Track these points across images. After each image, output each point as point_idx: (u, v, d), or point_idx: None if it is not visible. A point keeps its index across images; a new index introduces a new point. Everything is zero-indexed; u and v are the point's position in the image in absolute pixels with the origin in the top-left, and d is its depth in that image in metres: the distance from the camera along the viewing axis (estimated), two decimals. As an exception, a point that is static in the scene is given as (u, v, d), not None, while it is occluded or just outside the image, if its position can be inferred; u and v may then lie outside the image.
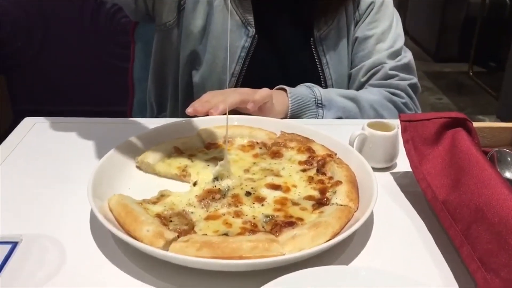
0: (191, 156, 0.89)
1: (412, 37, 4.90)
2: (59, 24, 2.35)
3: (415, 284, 0.59)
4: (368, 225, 0.75)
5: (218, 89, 1.18)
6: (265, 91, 1.05)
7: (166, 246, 0.64)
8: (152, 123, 1.01)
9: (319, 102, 1.13)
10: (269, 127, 0.97)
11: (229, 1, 1.18)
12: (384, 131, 0.90)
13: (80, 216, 0.75)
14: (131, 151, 0.88)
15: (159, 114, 1.36)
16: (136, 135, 0.91)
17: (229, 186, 0.80)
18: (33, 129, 1.03)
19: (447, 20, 4.53)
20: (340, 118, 1.14)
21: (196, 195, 0.78)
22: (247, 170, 0.85)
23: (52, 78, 2.42)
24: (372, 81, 1.24)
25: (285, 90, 1.14)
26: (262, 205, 0.76)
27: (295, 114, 1.12)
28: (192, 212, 0.74)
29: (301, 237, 0.65)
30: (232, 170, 0.83)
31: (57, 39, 2.37)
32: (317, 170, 0.84)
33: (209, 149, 0.92)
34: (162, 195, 0.78)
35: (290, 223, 0.70)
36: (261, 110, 1.05)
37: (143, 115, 1.42)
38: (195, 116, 0.99)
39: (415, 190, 0.82)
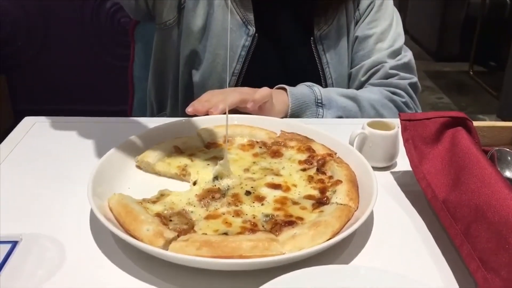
0: (191, 155, 0.89)
1: (413, 37, 4.90)
2: (59, 24, 2.35)
3: (415, 284, 0.59)
4: (368, 225, 0.75)
5: (219, 88, 1.18)
6: (265, 90, 1.05)
7: (166, 245, 0.64)
8: (152, 122, 1.01)
9: (319, 101, 1.13)
10: (269, 126, 0.97)
11: (229, 0, 1.18)
12: (384, 130, 0.90)
13: (80, 216, 0.75)
14: (131, 151, 0.88)
15: (159, 112, 1.36)
16: (136, 134, 0.91)
17: (229, 186, 0.80)
18: (33, 128, 1.03)
19: (447, 20, 4.53)
20: (340, 117, 1.14)
21: (196, 195, 0.78)
22: (247, 170, 0.85)
23: (52, 78, 2.42)
24: (372, 80, 1.24)
25: (285, 89, 1.13)
26: (262, 204, 0.76)
27: (295, 113, 1.12)
28: (192, 212, 0.74)
29: (301, 237, 0.65)
30: (232, 169, 0.83)
31: (57, 39, 2.37)
32: (317, 170, 0.84)
33: (209, 148, 0.92)
34: (162, 195, 0.78)
35: (290, 222, 0.70)
36: (261, 109, 1.05)
37: (143, 114, 1.42)
38: (195, 115, 0.99)
39: (415, 189, 0.82)
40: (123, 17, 2.27)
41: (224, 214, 0.73)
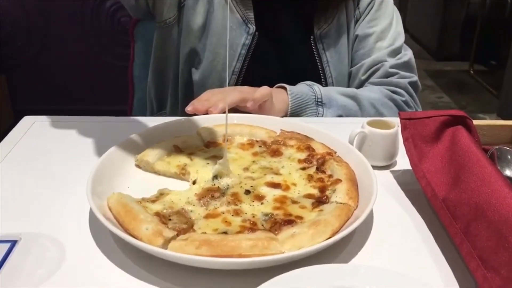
0: (190, 154, 0.88)
1: (413, 36, 4.90)
2: (59, 24, 2.36)
3: (414, 282, 0.59)
4: (367, 223, 0.75)
5: (219, 87, 1.17)
6: (265, 89, 1.04)
7: (165, 244, 0.64)
8: (151, 121, 1.01)
9: (319, 100, 1.13)
10: (268, 125, 0.97)
11: (229, -1, 1.17)
12: (384, 129, 0.90)
13: (79, 215, 0.75)
14: (131, 150, 0.87)
15: (158, 111, 1.36)
16: (136, 133, 0.91)
17: (228, 185, 0.80)
18: (32, 127, 1.03)
19: (447, 19, 4.54)
20: (340, 116, 1.14)
21: (196, 194, 0.78)
22: (246, 169, 0.85)
23: (52, 78, 2.42)
24: (372, 79, 1.24)
25: (285, 88, 1.13)
26: (262, 203, 0.75)
27: (295, 112, 1.12)
28: (191, 211, 0.74)
29: (300, 235, 0.65)
30: (231, 168, 0.82)
31: (57, 39, 2.38)
32: (317, 168, 0.84)
33: (208, 147, 0.92)
34: (161, 194, 0.77)
35: (290, 221, 0.70)
36: (261, 108, 1.05)
37: (143, 114, 1.42)
38: (195, 114, 0.99)
39: (415, 188, 0.82)
40: (123, 16, 2.28)
41: (223, 213, 0.73)
